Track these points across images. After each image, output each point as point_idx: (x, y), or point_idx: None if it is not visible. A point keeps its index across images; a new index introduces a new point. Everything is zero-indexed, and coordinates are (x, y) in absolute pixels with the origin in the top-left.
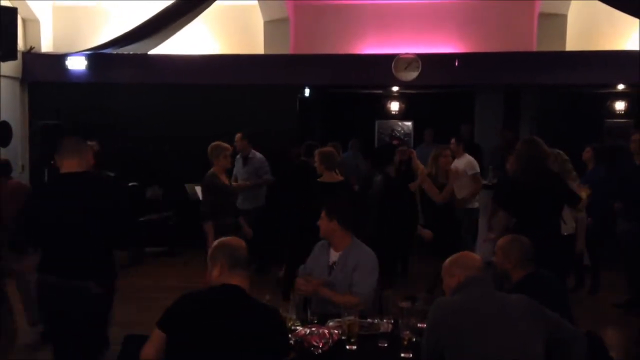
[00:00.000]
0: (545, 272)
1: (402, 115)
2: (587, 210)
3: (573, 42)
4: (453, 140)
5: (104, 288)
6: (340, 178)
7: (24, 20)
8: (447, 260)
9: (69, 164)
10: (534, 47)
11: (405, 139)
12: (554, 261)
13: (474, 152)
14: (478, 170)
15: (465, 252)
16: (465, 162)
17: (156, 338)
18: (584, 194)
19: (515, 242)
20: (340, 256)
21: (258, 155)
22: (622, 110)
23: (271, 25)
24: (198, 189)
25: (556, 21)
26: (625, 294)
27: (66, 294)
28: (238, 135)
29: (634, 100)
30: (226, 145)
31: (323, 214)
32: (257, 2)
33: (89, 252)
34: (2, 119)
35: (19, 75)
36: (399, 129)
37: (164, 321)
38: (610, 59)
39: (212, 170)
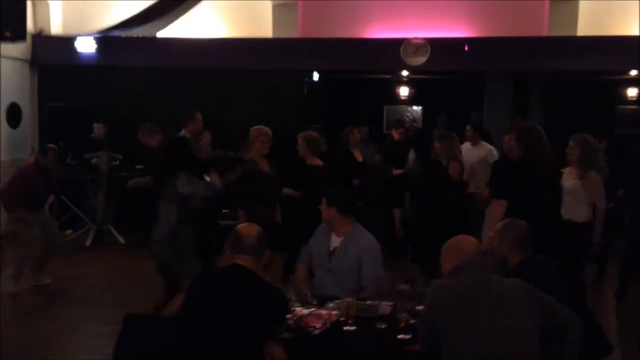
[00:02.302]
0: (543, 258)
1: (411, 100)
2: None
3: (585, 28)
4: (469, 127)
5: None
6: (321, 163)
7: (33, 3)
8: (445, 244)
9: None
10: (545, 33)
11: (414, 124)
12: (561, 250)
13: (484, 138)
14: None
15: (462, 236)
16: (485, 150)
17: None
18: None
19: (511, 226)
20: (342, 242)
21: None
22: (634, 97)
23: (279, 9)
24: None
25: (567, 6)
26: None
27: None
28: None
29: None
30: (265, 129)
31: (323, 201)
32: None
33: None
34: (11, 101)
35: (29, 57)
36: (409, 114)
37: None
38: (623, 44)
39: (249, 155)
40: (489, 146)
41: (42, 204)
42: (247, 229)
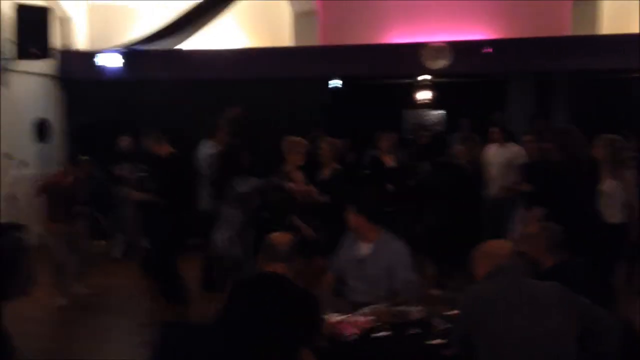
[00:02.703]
0: (577, 261)
1: (432, 104)
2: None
3: (607, 27)
4: (495, 129)
5: None
6: (339, 167)
7: (59, 19)
8: (477, 249)
9: None
10: (568, 32)
11: (437, 128)
12: (595, 251)
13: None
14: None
15: (494, 241)
16: (512, 151)
17: None
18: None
19: (544, 230)
20: (372, 249)
21: None
22: None
23: (300, 18)
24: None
25: (590, 6)
26: None
27: None
28: None
29: None
30: (299, 140)
31: (351, 209)
32: None
33: None
34: (39, 116)
35: (56, 73)
36: (430, 118)
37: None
38: None
39: (285, 167)
40: (516, 147)
41: (73, 216)
42: (280, 237)
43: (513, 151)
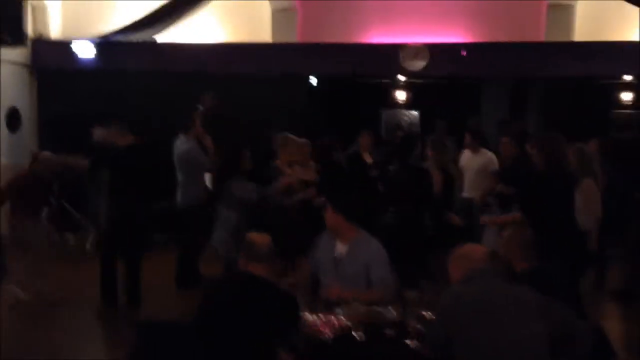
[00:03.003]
0: (549, 265)
1: (409, 105)
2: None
3: (581, 33)
4: (468, 135)
5: None
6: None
7: (32, 7)
8: (453, 253)
9: None
10: (542, 37)
11: (412, 128)
12: (568, 256)
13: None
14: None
15: (471, 245)
16: (485, 158)
17: None
18: None
19: (518, 234)
20: (348, 248)
21: None
22: (630, 101)
23: (279, 15)
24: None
25: (564, 11)
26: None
27: None
28: None
29: None
30: (292, 137)
31: (329, 207)
32: None
33: None
34: (11, 105)
35: (28, 61)
36: (406, 118)
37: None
38: (619, 50)
39: (275, 162)
40: (489, 153)
41: (39, 211)
42: (259, 237)
43: (486, 158)
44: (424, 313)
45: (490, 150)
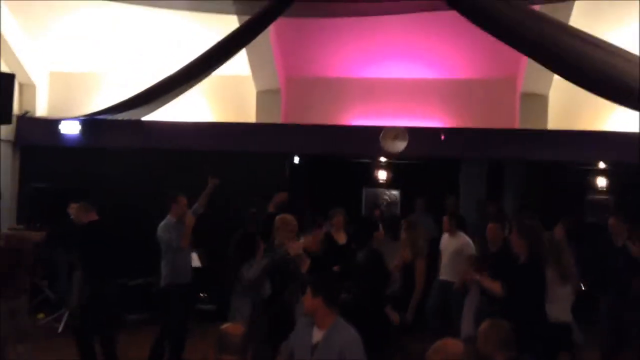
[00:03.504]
0: (527, 358)
1: (389, 184)
2: None
3: (555, 121)
4: (446, 219)
5: None
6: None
7: (20, 85)
8: (431, 348)
9: None
10: (517, 125)
11: (392, 207)
12: (543, 348)
13: (461, 227)
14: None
15: (447, 340)
16: (461, 241)
17: None
18: None
19: (495, 327)
20: (325, 336)
21: None
22: (603, 187)
23: (263, 96)
24: (193, 256)
25: (537, 100)
26: None
27: None
28: None
29: (614, 177)
30: (289, 218)
31: (308, 290)
32: (250, 73)
33: None
34: None
35: (12, 138)
36: (387, 197)
37: None
38: (591, 139)
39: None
40: (465, 238)
41: (16, 289)
42: (233, 328)
43: (461, 241)
44: None
45: (468, 231)
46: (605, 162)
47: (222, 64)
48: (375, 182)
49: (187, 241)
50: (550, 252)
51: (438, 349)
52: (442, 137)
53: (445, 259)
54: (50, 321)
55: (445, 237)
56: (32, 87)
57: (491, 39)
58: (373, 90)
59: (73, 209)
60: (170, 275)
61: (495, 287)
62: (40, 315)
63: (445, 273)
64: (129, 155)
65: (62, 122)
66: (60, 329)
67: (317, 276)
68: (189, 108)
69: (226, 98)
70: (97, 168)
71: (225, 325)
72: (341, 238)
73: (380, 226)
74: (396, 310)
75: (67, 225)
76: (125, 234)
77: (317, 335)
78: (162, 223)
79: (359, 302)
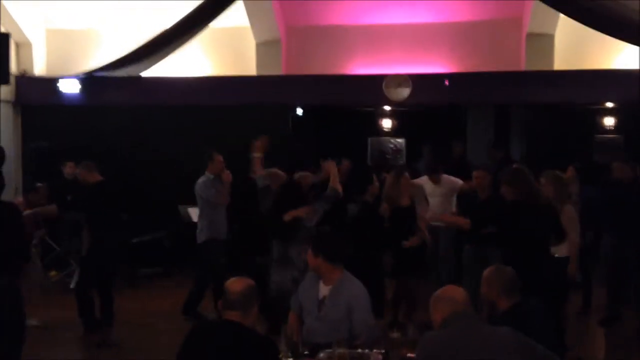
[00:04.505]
0: (532, 302)
1: (395, 132)
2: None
3: (561, 61)
4: (426, 173)
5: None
6: None
7: (17, 44)
8: (433, 295)
9: None
10: (523, 67)
11: (398, 155)
12: (548, 286)
13: (465, 168)
14: None
15: (449, 286)
16: (446, 186)
17: None
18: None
19: (499, 273)
20: (331, 291)
21: None
22: (611, 126)
23: (263, 47)
24: (191, 211)
25: (544, 41)
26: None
27: None
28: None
29: (622, 116)
30: (307, 174)
31: (309, 250)
32: (249, 24)
33: None
34: None
35: (12, 98)
36: (392, 145)
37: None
38: (598, 78)
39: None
40: (450, 180)
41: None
42: (234, 284)
43: (448, 185)
44: (408, 355)
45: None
46: (613, 101)
47: (219, 15)
48: (380, 131)
49: (226, 198)
50: (556, 189)
51: (441, 296)
52: (446, 83)
53: (432, 204)
54: (62, 277)
55: (429, 185)
56: (28, 45)
57: None
58: (375, 37)
59: (69, 168)
60: (209, 231)
61: (459, 221)
62: (53, 273)
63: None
64: (129, 113)
65: (61, 80)
66: (72, 285)
67: (316, 235)
68: (188, 63)
69: (225, 51)
70: (98, 126)
71: (230, 280)
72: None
73: (375, 178)
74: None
75: (68, 184)
76: (128, 192)
77: (324, 290)
78: (201, 180)
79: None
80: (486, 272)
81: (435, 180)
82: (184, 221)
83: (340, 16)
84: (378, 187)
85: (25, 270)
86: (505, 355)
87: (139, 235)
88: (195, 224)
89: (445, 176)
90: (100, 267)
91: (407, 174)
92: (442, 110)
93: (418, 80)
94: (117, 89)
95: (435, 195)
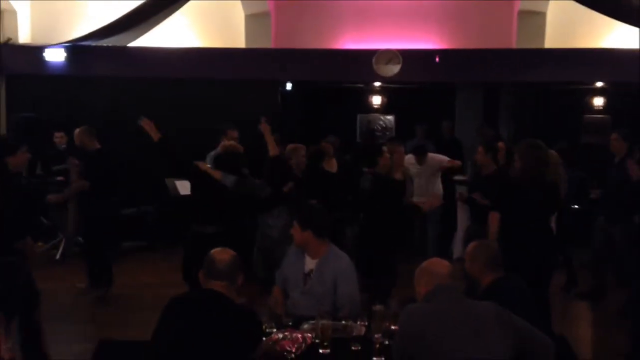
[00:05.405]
0: (514, 277)
1: (384, 109)
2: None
3: (552, 40)
4: (412, 154)
5: None
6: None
7: (1, 11)
8: (418, 268)
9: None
10: (514, 45)
11: (387, 133)
12: (542, 260)
13: (455, 147)
14: None
15: (434, 259)
16: (431, 165)
17: None
18: None
19: (482, 247)
20: (317, 265)
21: None
22: (600, 106)
23: (252, 20)
24: (179, 184)
25: (535, 19)
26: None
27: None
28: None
29: (611, 96)
30: (300, 146)
31: (295, 224)
32: None
33: None
34: None
35: None
36: (381, 122)
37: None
38: (589, 57)
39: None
40: (435, 158)
41: None
42: (220, 254)
43: (432, 164)
44: (392, 327)
45: (465, 155)
46: (604, 80)
47: None
48: (369, 107)
49: None
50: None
51: (425, 269)
52: (437, 59)
53: (417, 183)
54: (48, 249)
55: (414, 165)
56: (13, 13)
57: None
58: (365, 11)
59: (60, 138)
60: None
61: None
62: (39, 244)
63: (418, 196)
64: (115, 83)
65: (47, 49)
66: (57, 256)
67: (304, 210)
68: (175, 34)
69: (213, 23)
70: (84, 96)
71: (214, 250)
72: (332, 167)
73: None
74: None
75: (62, 154)
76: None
77: (310, 264)
78: (213, 154)
79: (366, 230)
80: (470, 246)
81: (421, 161)
82: (170, 194)
83: None
84: (389, 158)
85: None
86: (487, 328)
87: (125, 208)
88: (182, 197)
89: (430, 155)
90: (102, 237)
91: (401, 148)
92: (431, 87)
93: (409, 57)
94: (103, 59)
95: (421, 175)
